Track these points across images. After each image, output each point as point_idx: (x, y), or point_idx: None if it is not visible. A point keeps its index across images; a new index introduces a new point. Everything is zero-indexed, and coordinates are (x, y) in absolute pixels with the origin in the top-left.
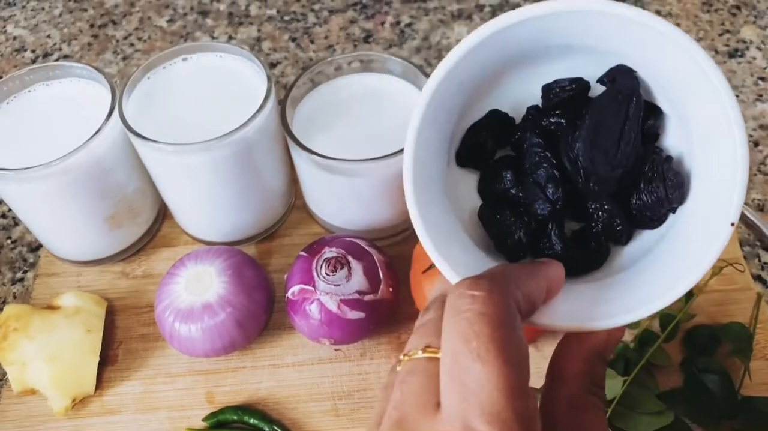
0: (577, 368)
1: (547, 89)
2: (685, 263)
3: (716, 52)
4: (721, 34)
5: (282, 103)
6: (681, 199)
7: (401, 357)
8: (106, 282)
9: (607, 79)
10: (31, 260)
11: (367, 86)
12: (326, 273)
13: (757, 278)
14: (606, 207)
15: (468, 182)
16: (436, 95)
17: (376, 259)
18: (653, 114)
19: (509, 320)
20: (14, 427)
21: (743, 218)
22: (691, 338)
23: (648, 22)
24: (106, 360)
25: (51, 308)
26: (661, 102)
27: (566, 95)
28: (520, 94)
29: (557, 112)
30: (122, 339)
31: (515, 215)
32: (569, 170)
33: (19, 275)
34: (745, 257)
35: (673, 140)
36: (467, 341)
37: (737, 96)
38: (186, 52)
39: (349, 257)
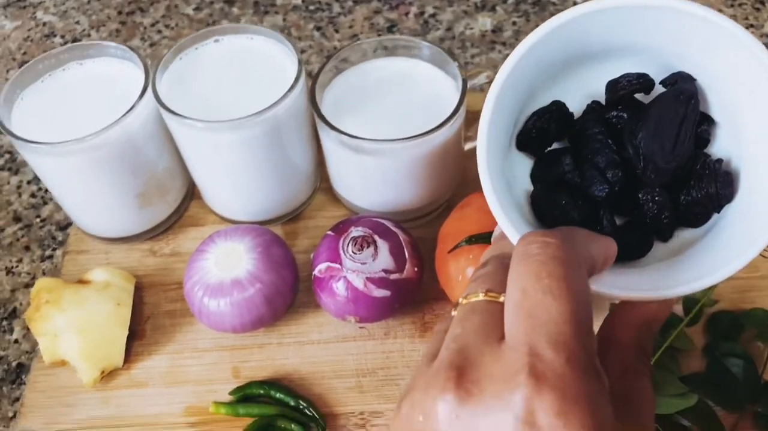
0: (630, 335)
1: (614, 83)
2: (729, 251)
3: None
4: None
5: (312, 85)
6: (730, 197)
7: (459, 300)
8: (135, 260)
9: (669, 82)
10: (60, 238)
11: (394, 70)
12: (353, 252)
13: None
14: (657, 198)
15: (523, 166)
16: (515, 71)
17: (401, 239)
18: (706, 121)
19: (578, 266)
20: (44, 397)
21: None
22: (714, 323)
23: (716, 20)
24: (134, 335)
25: (82, 282)
26: (715, 109)
27: (633, 89)
28: (580, 91)
29: (619, 107)
30: (150, 315)
31: (571, 197)
32: (630, 155)
33: (48, 252)
34: None
35: (722, 145)
36: (539, 278)
37: None
38: (217, 34)
39: (376, 237)
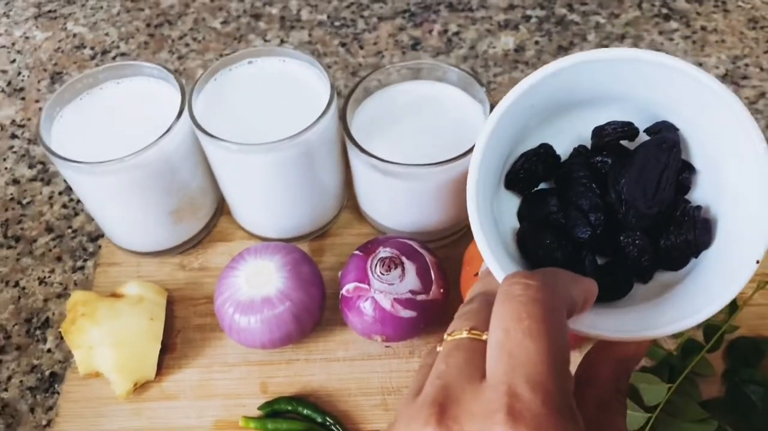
0: (607, 373)
1: (599, 129)
2: (706, 295)
3: (761, 69)
4: (766, 52)
5: (342, 108)
6: (707, 243)
7: (444, 337)
8: (165, 274)
9: (653, 131)
10: (91, 249)
11: (422, 94)
12: (381, 272)
13: None
14: (638, 241)
15: (510, 204)
16: (506, 114)
17: (428, 260)
18: (688, 169)
19: (558, 308)
20: (78, 407)
21: None
22: (734, 349)
23: (702, 79)
24: (166, 348)
25: (115, 296)
26: (696, 158)
27: (618, 136)
28: (568, 134)
29: (604, 152)
30: (180, 329)
31: (555, 236)
32: (613, 199)
33: (79, 263)
34: None
35: (702, 192)
36: (520, 320)
37: None
38: (251, 56)
39: (403, 258)
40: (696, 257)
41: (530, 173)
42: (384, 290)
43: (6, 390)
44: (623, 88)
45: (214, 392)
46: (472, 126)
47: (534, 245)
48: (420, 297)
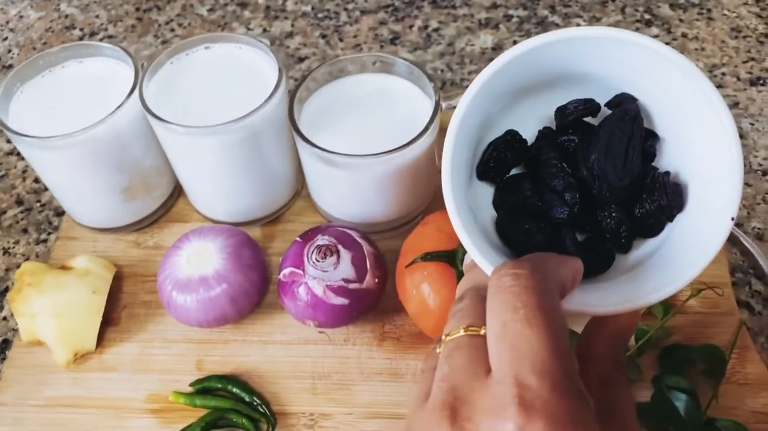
0: (604, 349)
1: (562, 109)
2: (686, 260)
3: (738, 78)
4: (745, 62)
5: (291, 97)
6: (680, 206)
7: (442, 338)
8: (119, 250)
9: (614, 104)
10: (56, 223)
11: (375, 87)
12: (316, 259)
13: (745, 305)
14: (614, 214)
15: (485, 194)
16: (472, 104)
17: (365, 250)
18: (651, 137)
19: (551, 292)
20: (20, 374)
21: (739, 244)
22: (666, 355)
23: (655, 48)
24: (110, 321)
25: (64, 268)
26: (659, 126)
27: (580, 114)
28: (532, 117)
29: (569, 131)
30: (127, 304)
31: (533, 220)
32: (585, 177)
33: (43, 236)
34: (735, 283)
35: (669, 159)
36: (515, 310)
37: (753, 125)
38: (208, 41)
39: (339, 247)
40: (671, 221)
41: (500, 160)
42: (318, 276)
43: None
44: (581, 67)
45: (152, 367)
46: (422, 120)
47: (514, 232)
48: (352, 286)
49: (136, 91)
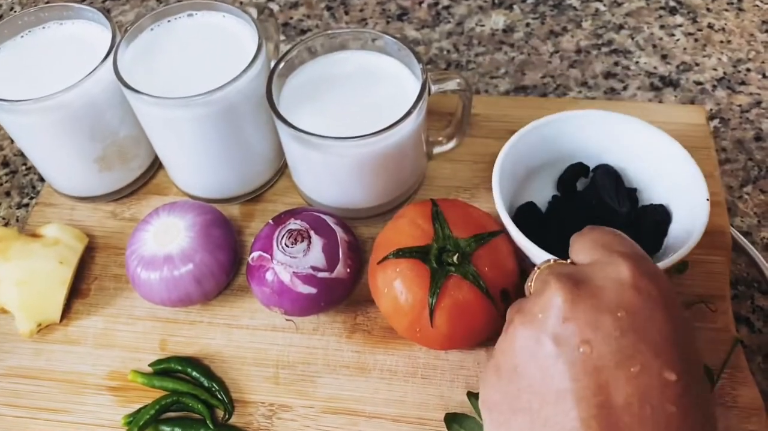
0: None
1: (561, 179)
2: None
3: (763, 75)
4: None
5: (270, 72)
6: (669, 219)
7: (535, 269)
8: (96, 220)
9: (595, 169)
10: (39, 188)
11: (361, 64)
12: (285, 244)
13: (745, 320)
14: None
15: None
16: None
17: (339, 238)
18: (635, 191)
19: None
20: None
21: (745, 254)
22: None
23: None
24: (79, 293)
25: (34, 236)
26: (632, 174)
27: (575, 179)
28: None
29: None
30: (97, 276)
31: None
32: (595, 208)
33: (25, 200)
34: (736, 296)
35: (648, 197)
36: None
37: None
38: (192, 8)
39: (311, 233)
40: (666, 234)
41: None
42: (285, 262)
43: None
44: (569, 143)
45: (115, 343)
46: (407, 102)
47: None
48: (321, 275)
49: (110, 56)
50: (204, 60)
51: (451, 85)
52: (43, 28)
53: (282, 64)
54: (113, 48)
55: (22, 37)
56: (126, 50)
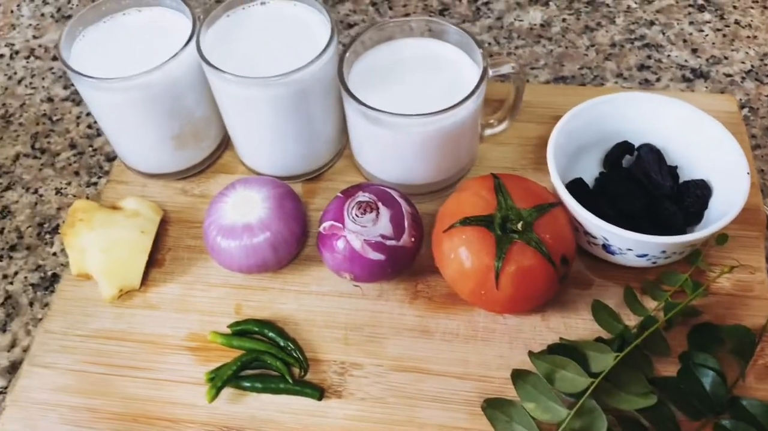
0: None
1: (608, 156)
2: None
3: None
4: None
5: (341, 55)
6: (710, 193)
7: None
8: (167, 196)
9: (639, 147)
10: (106, 168)
11: (425, 51)
12: (356, 215)
13: None
14: (670, 207)
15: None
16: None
17: (404, 209)
18: (676, 168)
19: None
20: (69, 305)
21: None
22: (696, 333)
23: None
24: (154, 262)
25: (115, 208)
26: (676, 156)
27: (619, 157)
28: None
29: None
30: (171, 247)
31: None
32: (643, 181)
33: (94, 179)
34: None
35: (689, 173)
36: None
37: None
38: None
39: (379, 204)
40: (707, 207)
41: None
42: (356, 231)
43: (11, 283)
44: (613, 123)
45: (192, 307)
46: (468, 85)
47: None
48: (390, 242)
49: (194, 40)
50: (277, 45)
51: (506, 68)
52: (124, 14)
53: (351, 49)
54: (194, 32)
55: (104, 22)
56: (206, 34)
